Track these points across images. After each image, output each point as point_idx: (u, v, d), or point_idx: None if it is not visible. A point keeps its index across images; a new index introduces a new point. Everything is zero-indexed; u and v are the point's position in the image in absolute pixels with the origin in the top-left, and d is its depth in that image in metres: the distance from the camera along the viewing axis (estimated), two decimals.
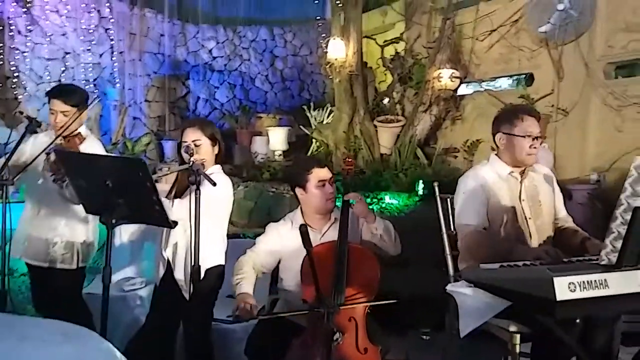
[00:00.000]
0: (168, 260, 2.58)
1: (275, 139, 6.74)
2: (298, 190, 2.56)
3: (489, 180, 2.48)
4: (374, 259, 2.41)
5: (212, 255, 2.53)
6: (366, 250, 2.44)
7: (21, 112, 2.58)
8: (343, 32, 6.32)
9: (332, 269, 2.32)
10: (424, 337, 3.33)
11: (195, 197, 2.15)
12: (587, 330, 1.95)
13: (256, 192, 5.60)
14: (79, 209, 2.75)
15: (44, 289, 2.83)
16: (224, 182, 2.53)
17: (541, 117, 2.65)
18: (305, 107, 7.09)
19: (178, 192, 2.58)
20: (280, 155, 6.73)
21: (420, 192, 5.20)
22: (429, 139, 6.51)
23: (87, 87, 6.79)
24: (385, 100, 6.87)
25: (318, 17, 8.64)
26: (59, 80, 7.15)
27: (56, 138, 2.67)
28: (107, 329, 2.23)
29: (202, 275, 2.38)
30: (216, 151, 2.61)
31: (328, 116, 6.81)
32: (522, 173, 2.51)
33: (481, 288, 1.84)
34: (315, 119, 6.80)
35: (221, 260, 2.61)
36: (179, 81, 7.93)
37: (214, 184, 2.18)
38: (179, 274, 2.55)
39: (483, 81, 6.16)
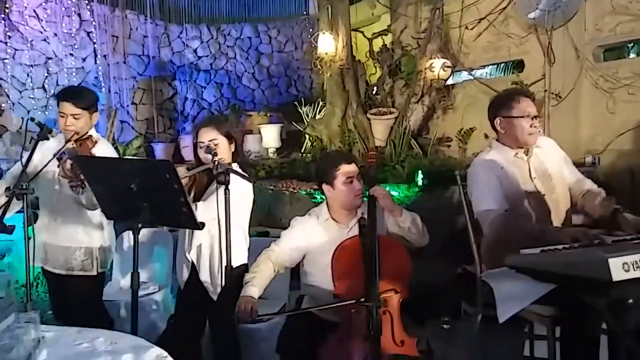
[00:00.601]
0: (192, 263, 2.54)
1: (268, 137, 6.70)
2: (325, 187, 2.53)
3: (497, 164, 2.49)
4: (404, 250, 2.41)
5: (237, 254, 2.50)
6: (396, 242, 2.43)
7: (32, 119, 2.50)
8: (331, 26, 6.30)
9: (362, 263, 2.30)
10: (445, 326, 3.34)
11: (225, 197, 2.12)
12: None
13: (255, 190, 5.54)
14: (95, 214, 2.70)
15: (65, 297, 2.77)
16: (246, 180, 2.49)
17: (535, 100, 2.67)
18: (296, 103, 7.06)
19: (197, 193, 2.53)
20: (274, 152, 6.69)
21: (420, 182, 5.21)
22: (422, 130, 6.54)
23: None
24: (374, 91, 6.87)
25: (303, 13, 8.61)
26: (43, 87, 7.00)
27: (67, 142, 2.60)
28: None
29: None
30: (233, 149, 2.57)
31: (319, 111, 6.79)
32: (527, 152, 2.53)
33: (525, 273, 1.85)
34: (307, 114, 6.77)
35: (245, 259, 2.59)
36: (165, 82, 7.84)
37: (253, 182, 2.15)
38: (205, 276, 2.52)
39: (472, 69, 6.21)
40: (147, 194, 2.10)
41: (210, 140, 2.48)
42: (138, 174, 2.09)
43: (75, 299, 2.74)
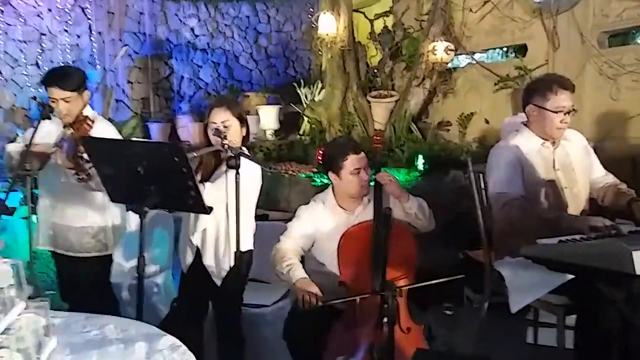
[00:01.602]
0: (197, 247, 2.50)
1: (267, 118, 6.62)
2: (331, 175, 2.49)
3: (522, 150, 2.44)
4: (411, 236, 2.38)
5: (244, 240, 2.45)
6: (403, 229, 2.40)
7: (34, 98, 2.44)
8: (332, 6, 6.19)
9: (369, 250, 2.28)
10: (448, 312, 3.33)
11: (236, 182, 2.07)
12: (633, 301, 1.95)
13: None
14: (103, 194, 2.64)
15: (75, 278, 2.72)
16: (255, 165, 2.44)
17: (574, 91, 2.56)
18: (295, 84, 6.95)
19: (204, 175, 2.48)
20: (272, 134, 6.62)
21: (420, 167, 5.18)
22: (421, 114, 6.49)
23: None
24: (374, 74, 6.78)
25: None
26: (36, 64, 6.86)
27: (65, 127, 2.54)
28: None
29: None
30: (244, 132, 2.51)
31: (318, 93, 6.70)
32: (554, 143, 2.48)
33: (541, 264, 1.82)
34: (306, 96, 6.68)
35: (251, 245, 2.55)
36: (162, 61, 7.69)
37: (270, 168, 2.10)
38: (209, 260, 2.48)
39: (475, 53, 6.14)
40: (154, 177, 2.05)
41: (222, 122, 2.41)
42: (145, 157, 2.04)
43: (87, 281, 2.68)
